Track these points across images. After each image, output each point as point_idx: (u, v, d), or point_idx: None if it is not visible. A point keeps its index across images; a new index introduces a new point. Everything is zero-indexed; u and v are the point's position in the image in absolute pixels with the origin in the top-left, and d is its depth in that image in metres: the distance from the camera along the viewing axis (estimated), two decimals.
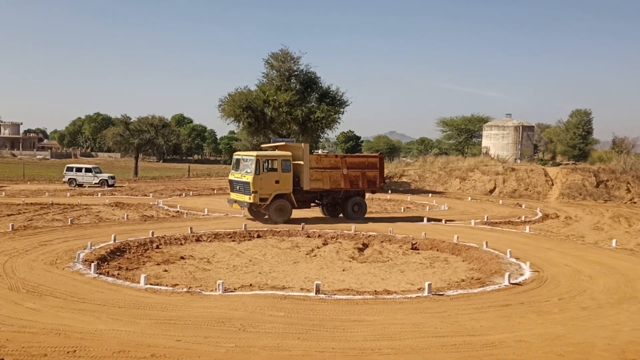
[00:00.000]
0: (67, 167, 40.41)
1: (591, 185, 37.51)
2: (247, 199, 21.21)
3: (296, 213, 22.43)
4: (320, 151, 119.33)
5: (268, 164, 21.51)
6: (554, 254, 15.68)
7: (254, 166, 21.04)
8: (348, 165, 23.14)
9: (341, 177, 22.85)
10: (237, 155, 23.29)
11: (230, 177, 22.74)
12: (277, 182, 21.47)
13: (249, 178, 21.03)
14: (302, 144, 23.91)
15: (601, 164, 43.59)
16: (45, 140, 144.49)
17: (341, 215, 23.71)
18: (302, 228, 19.40)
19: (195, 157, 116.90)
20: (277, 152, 22.68)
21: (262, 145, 26.00)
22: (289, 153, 22.28)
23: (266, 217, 21.94)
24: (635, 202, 34.78)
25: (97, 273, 11.77)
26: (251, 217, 22.47)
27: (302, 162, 22.16)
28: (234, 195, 22.41)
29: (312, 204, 23.71)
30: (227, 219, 22.26)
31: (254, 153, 21.95)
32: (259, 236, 18.15)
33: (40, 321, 8.40)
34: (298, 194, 22.25)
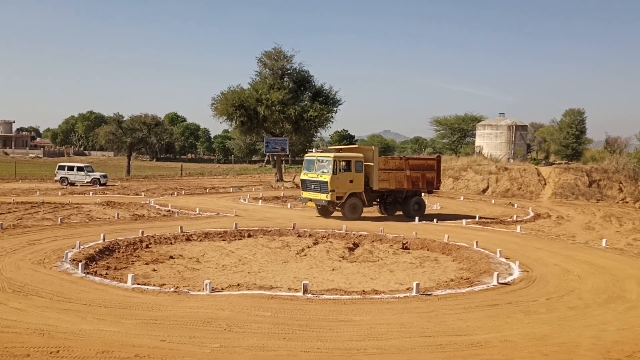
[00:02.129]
0: (59, 166, 40.27)
1: (584, 184, 37.64)
2: (323, 197, 22.50)
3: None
4: (314, 150, 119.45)
5: (344, 164, 22.70)
6: (544, 254, 15.70)
7: (331, 167, 22.31)
8: (410, 167, 24.62)
9: (404, 178, 24.21)
10: (310, 156, 24.43)
11: (303, 177, 23.89)
12: (351, 181, 22.73)
13: (326, 178, 22.26)
14: (372, 146, 25.50)
15: (594, 163, 43.72)
16: (38, 139, 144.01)
17: (398, 213, 24.93)
18: (293, 227, 19.36)
19: (189, 155, 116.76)
20: (351, 154, 23.73)
21: (329, 147, 27.01)
22: (362, 155, 23.61)
23: (333, 214, 23.45)
24: (627, 202, 34.92)
25: (84, 272, 11.70)
26: (320, 214, 23.76)
27: (371, 164, 23.46)
28: (307, 194, 23.56)
29: (374, 202, 24.93)
30: (218, 218, 22.21)
31: (332, 155, 23.12)
32: (249, 235, 18.11)
33: (24, 321, 8.33)
34: (367, 193, 23.51)
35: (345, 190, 22.60)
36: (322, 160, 23.03)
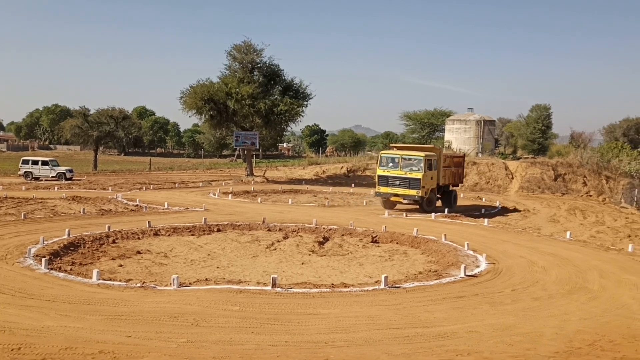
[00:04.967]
0: (23, 160, 39.32)
1: (549, 178, 38.37)
2: (414, 193, 24.07)
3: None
4: (285, 144, 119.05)
5: (430, 163, 24.53)
6: (510, 246, 15.98)
7: (422, 165, 24.03)
8: (454, 164, 27.58)
9: (451, 174, 27.00)
10: (391, 153, 25.54)
11: (382, 173, 24.91)
12: (431, 178, 24.76)
13: (418, 175, 23.94)
14: (440, 147, 27.59)
15: (559, 158, 44.60)
16: (1, 132, 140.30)
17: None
18: (263, 222, 19.29)
19: (158, 150, 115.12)
20: (432, 153, 25.51)
21: (392, 145, 28.84)
22: (436, 154, 25.65)
23: (396, 207, 25.38)
24: (591, 195, 35.71)
25: (48, 268, 11.46)
26: (384, 207, 25.23)
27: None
28: (387, 189, 24.71)
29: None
30: (187, 212, 21.96)
31: (422, 154, 24.57)
32: (218, 230, 17.97)
33: None
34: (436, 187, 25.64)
35: (429, 186, 24.61)
36: (410, 159, 24.57)
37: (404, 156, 24.78)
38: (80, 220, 18.81)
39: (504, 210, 26.77)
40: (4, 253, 12.82)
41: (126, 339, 7.48)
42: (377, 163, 26.25)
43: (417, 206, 25.11)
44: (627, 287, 11.35)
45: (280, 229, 18.41)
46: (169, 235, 16.94)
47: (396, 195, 24.54)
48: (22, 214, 19.29)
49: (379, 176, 25.10)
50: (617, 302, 10.17)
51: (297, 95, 42.48)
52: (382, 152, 26.41)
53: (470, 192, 36.35)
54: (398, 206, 25.61)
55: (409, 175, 24.10)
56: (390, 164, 24.92)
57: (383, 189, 24.83)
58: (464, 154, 31.74)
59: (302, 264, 13.61)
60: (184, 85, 70.40)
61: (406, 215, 22.89)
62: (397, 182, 24.38)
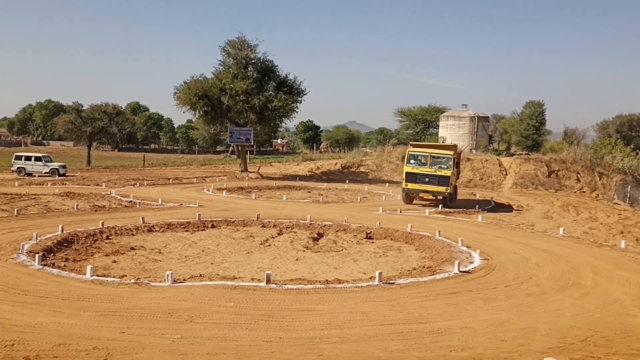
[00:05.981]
0: (16, 156, 39.12)
1: (543, 175, 38.52)
2: (443, 189, 24.94)
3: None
4: (279, 140, 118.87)
5: (455, 161, 25.49)
6: (503, 242, 16.04)
7: (451, 162, 24.99)
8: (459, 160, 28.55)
9: (457, 170, 27.52)
10: (420, 151, 26.37)
11: (410, 170, 25.56)
12: (453, 174, 25.47)
13: (447, 172, 24.85)
14: (455, 144, 29.01)
15: (553, 154, 44.74)
16: None
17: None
18: (258, 218, 19.27)
19: (152, 146, 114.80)
20: (455, 151, 26.41)
21: (411, 143, 29.63)
22: (455, 152, 26.55)
23: (415, 202, 26.43)
24: (584, 192, 35.86)
25: (41, 264, 11.42)
26: (405, 202, 26.12)
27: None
28: (415, 186, 25.47)
29: None
30: (181, 209, 21.92)
31: (451, 152, 25.66)
32: (213, 226, 17.95)
33: None
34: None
35: (454, 182, 25.78)
36: (440, 157, 25.45)
37: (433, 154, 25.57)
38: (73, 216, 18.74)
39: (497, 207, 26.89)
40: None
41: (120, 335, 7.47)
42: (403, 160, 26.89)
43: (437, 201, 25.88)
44: (619, 283, 11.42)
45: (274, 225, 18.40)
46: (163, 231, 16.90)
47: (425, 191, 25.33)
48: (15, 210, 19.20)
49: (406, 173, 25.69)
50: (610, 298, 10.24)
51: (291, 91, 42.41)
52: (409, 150, 26.84)
53: (464, 189, 36.36)
54: (415, 201, 26.45)
55: (438, 173, 24.89)
56: (415, 162, 25.67)
57: (411, 185, 25.52)
58: (461, 151, 32.15)
59: (297, 260, 13.62)
60: (178, 81, 70.29)
61: (400, 212, 22.92)
62: (426, 179, 25.09)
